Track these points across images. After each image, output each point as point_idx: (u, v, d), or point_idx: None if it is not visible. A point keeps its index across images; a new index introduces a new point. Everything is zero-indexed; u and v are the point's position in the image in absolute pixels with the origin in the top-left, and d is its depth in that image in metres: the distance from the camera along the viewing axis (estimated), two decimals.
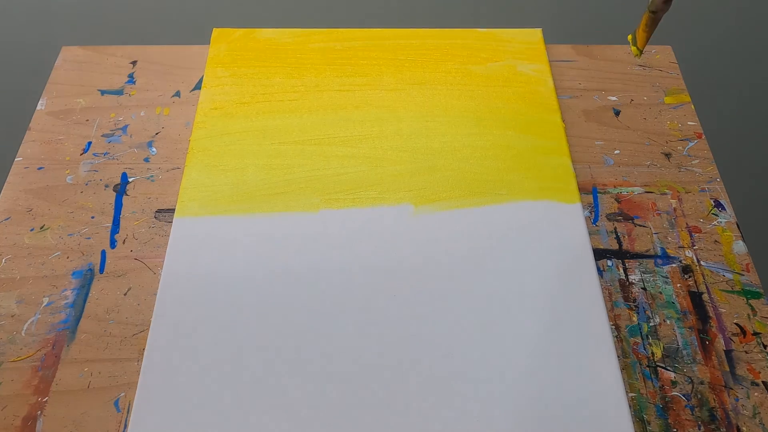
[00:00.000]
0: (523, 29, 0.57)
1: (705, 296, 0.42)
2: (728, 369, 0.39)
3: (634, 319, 0.41)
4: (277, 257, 0.43)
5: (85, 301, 0.41)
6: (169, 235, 0.44)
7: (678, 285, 0.43)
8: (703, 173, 0.49)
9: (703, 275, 0.43)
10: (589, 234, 0.44)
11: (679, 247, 0.45)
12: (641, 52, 0.45)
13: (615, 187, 0.48)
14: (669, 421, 0.37)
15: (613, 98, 0.54)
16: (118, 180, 0.48)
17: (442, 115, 0.51)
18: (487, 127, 0.50)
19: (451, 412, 0.37)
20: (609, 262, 0.44)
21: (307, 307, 0.41)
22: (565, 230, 0.44)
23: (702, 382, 0.39)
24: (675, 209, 0.47)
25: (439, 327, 0.40)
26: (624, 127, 0.52)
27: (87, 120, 0.51)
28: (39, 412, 0.37)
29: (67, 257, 0.43)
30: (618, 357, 0.39)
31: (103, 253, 0.44)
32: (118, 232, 0.45)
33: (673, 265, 0.44)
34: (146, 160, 0.49)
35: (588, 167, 0.49)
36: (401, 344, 0.39)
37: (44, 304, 0.41)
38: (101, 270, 0.43)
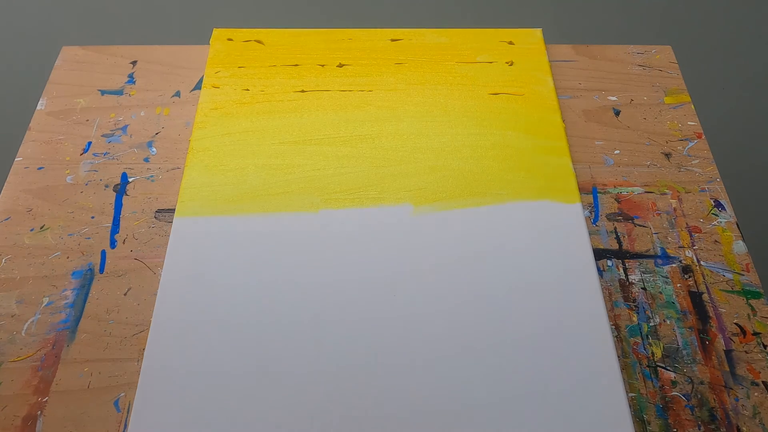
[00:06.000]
0: (523, 29, 0.57)
1: (705, 296, 0.42)
2: (728, 369, 0.39)
3: (634, 319, 0.41)
4: (276, 257, 0.43)
5: (85, 301, 0.41)
6: (169, 235, 0.44)
7: (678, 285, 0.43)
8: (703, 173, 0.49)
9: (703, 275, 0.43)
10: (589, 234, 0.44)
11: (679, 247, 0.45)
12: None
13: (615, 187, 0.48)
14: (669, 421, 0.37)
15: (613, 98, 0.54)
16: (118, 180, 0.48)
17: (442, 115, 0.51)
18: (487, 127, 0.50)
19: (450, 411, 0.37)
20: (609, 262, 0.44)
21: (306, 307, 0.41)
22: (565, 230, 0.44)
23: (702, 382, 0.39)
24: (675, 209, 0.47)
25: (438, 327, 0.40)
26: (624, 127, 0.52)
27: (87, 120, 0.51)
28: (39, 412, 0.37)
29: (67, 257, 0.43)
30: (618, 357, 0.39)
31: (103, 253, 0.44)
32: (118, 232, 0.45)
33: (673, 265, 0.44)
34: (146, 160, 0.49)
35: (588, 167, 0.49)
36: (400, 344, 0.39)
37: (44, 304, 0.41)
38: (101, 270, 0.43)
